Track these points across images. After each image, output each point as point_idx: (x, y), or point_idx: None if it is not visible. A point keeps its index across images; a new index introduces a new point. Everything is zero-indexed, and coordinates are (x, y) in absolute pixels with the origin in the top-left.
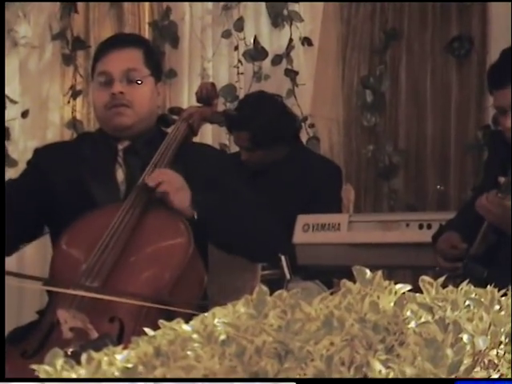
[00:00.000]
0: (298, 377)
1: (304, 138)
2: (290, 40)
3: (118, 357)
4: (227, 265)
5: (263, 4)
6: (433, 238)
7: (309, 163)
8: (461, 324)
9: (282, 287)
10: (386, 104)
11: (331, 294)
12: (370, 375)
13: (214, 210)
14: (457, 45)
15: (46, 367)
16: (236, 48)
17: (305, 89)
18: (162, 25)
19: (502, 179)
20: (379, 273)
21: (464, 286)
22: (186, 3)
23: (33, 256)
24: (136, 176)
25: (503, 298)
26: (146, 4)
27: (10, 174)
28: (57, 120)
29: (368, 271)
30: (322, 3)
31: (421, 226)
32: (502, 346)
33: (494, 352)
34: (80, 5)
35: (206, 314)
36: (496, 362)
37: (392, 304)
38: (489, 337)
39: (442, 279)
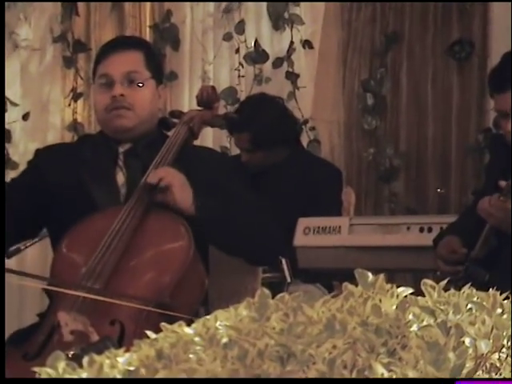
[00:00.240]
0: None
1: (305, 140)
2: (291, 43)
3: (120, 360)
4: (228, 268)
5: (264, 7)
6: (434, 242)
7: (309, 166)
8: (463, 327)
9: (282, 290)
10: (387, 107)
11: (333, 297)
12: (372, 378)
13: (215, 211)
14: (457, 48)
15: (48, 370)
16: (237, 51)
17: (305, 92)
18: (163, 27)
19: (503, 183)
20: (381, 276)
21: (466, 289)
22: (187, 6)
23: (34, 259)
24: (136, 179)
25: (505, 301)
26: (147, 7)
27: (11, 176)
28: (58, 122)
29: (370, 274)
30: (323, 6)
31: (421, 230)
32: (504, 350)
33: (496, 356)
34: (81, 7)
35: (207, 317)
36: (498, 365)
37: (394, 307)
38: (491, 340)
39: (444, 282)
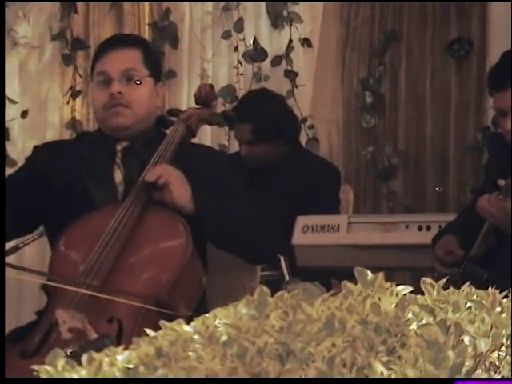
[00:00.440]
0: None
1: (303, 139)
2: (290, 41)
3: (119, 357)
4: (226, 266)
5: (263, 5)
6: (433, 241)
7: (307, 164)
8: (462, 326)
9: (281, 288)
10: (386, 105)
11: (332, 295)
12: (372, 377)
13: (213, 209)
14: (456, 46)
15: (47, 367)
16: (236, 49)
17: (304, 90)
18: (162, 25)
19: (502, 181)
20: (380, 274)
21: (465, 287)
22: (186, 4)
23: (32, 257)
24: (134, 177)
25: (504, 300)
26: (146, 5)
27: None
28: (56, 120)
29: (369, 273)
30: (321, 5)
31: (420, 228)
32: (503, 348)
33: (496, 354)
34: (80, 5)
35: (207, 315)
36: (497, 364)
37: (393, 306)
38: (490, 339)
39: (443, 281)
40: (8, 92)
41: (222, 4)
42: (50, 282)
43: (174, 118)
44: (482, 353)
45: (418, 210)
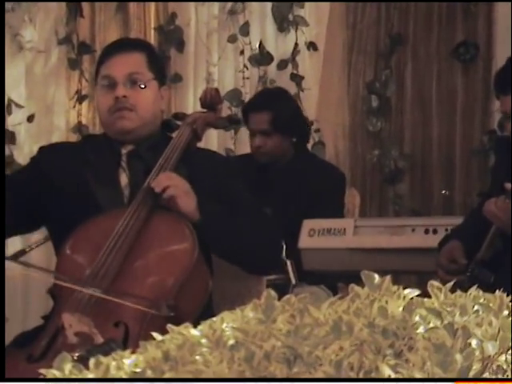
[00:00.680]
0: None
1: (309, 142)
2: (296, 45)
3: (127, 361)
4: (232, 270)
5: (269, 8)
6: (439, 245)
7: (312, 169)
8: (470, 329)
9: (287, 292)
10: (392, 109)
11: (340, 298)
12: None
13: (218, 219)
14: (462, 50)
15: (55, 371)
16: (241, 53)
17: (310, 94)
18: (168, 29)
19: (508, 185)
20: (388, 278)
21: (473, 291)
22: (192, 8)
23: (38, 261)
24: (139, 180)
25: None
26: (152, 9)
27: None
28: (62, 124)
29: (377, 276)
30: (327, 8)
31: (426, 231)
32: (510, 352)
33: (503, 357)
34: (86, 9)
35: (214, 319)
36: (505, 367)
37: (401, 309)
38: (498, 342)
39: (450, 284)
40: (14, 96)
41: (227, 8)
42: (56, 292)
43: (179, 122)
44: (489, 356)
45: (424, 214)
